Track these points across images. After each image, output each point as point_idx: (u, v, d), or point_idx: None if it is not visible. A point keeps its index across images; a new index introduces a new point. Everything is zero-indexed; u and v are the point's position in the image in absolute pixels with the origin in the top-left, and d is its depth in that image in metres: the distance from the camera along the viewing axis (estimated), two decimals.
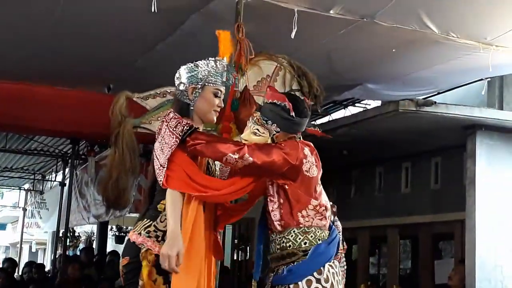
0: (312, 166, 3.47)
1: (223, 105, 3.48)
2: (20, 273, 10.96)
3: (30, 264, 11.55)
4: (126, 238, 3.38)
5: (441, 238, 9.31)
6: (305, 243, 3.39)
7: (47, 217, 15.57)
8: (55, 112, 7.65)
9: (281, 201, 3.40)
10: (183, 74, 3.37)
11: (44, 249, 24.93)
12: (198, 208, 3.20)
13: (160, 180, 3.17)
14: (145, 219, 3.30)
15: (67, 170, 12.82)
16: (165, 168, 3.17)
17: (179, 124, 3.21)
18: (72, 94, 6.88)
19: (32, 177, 16.43)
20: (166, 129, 3.21)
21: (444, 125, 7.23)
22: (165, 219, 3.16)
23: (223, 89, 3.41)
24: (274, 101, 3.44)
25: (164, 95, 3.92)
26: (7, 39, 6.10)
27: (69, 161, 12.50)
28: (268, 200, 3.44)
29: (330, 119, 9.62)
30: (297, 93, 4.20)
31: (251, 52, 4.16)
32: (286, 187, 3.38)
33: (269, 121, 3.42)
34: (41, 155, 13.48)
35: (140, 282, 3.19)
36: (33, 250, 25.20)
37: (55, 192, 13.98)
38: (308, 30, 5.19)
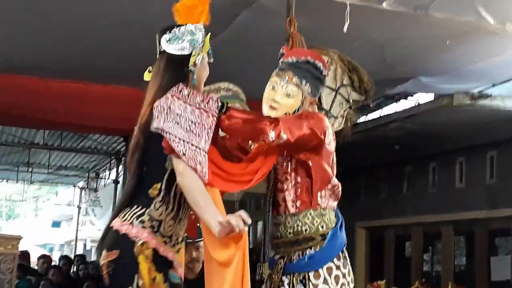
0: (332, 139, 3.22)
1: None
2: (74, 270, 11.14)
3: (82, 257, 11.70)
4: (108, 228, 2.89)
5: (497, 234, 9.16)
6: (322, 227, 3.13)
7: (101, 215, 15.78)
8: (108, 110, 7.79)
9: (298, 179, 3.15)
10: (181, 36, 2.97)
11: None
12: (217, 193, 2.89)
13: (202, 173, 2.76)
14: (135, 206, 2.83)
15: (120, 167, 12.99)
16: (206, 159, 2.78)
17: (210, 100, 2.88)
18: (124, 91, 6.97)
19: (86, 175, 16.68)
20: (186, 105, 2.82)
21: (500, 118, 7.11)
22: (160, 205, 2.81)
23: None
24: (308, 59, 3.23)
25: (218, 91, 3.93)
26: (61, 39, 6.17)
27: (122, 159, 12.67)
28: (283, 178, 3.17)
29: (382, 113, 9.53)
30: (348, 88, 4.18)
31: (303, 47, 4.14)
32: (310, 163, 3.12)
33: (304, 80, 3.20)
34: (95, 153, 13.68)
35: (140, 282, 2.75)
36: (88, 247, 25.59)
37: (109, 189, 14.18)
38: (360, 23, 5.15)
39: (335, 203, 3.23)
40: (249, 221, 2.69)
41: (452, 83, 7.26)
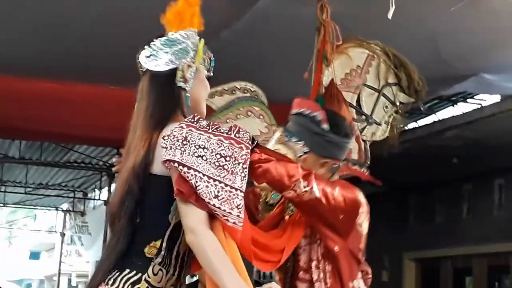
0: (365, 219, 3.20)
1: None
2: None
3: None
4: None
5: None
6: None
7: (89, 244, 15.89)
8: (98, 115, 7.82)
9: (328, 267, 3.15)
10: (163, 47, 2.87)
11: (85, 283, 25.43)
12: (235, 248, 2.74)
13: (236, 222, 2.63)
14: (127, 270, 2.70)
15: (112, 186, 13.05)
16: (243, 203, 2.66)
17: (240, 129, 2.76)
18: (119, 93, 6.99)
19: (71, 195, 16.77)
20: (210, 136, 2.68)
21: None
22: (159, 269, 2.71)
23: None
24: (301, 111, 3.21)
25: (233, 92, 3.95)
26: (39, 28, 6.23)
27: (115, 175, 12.73)
28: (305, 266, 3.19)
29: (436, 119, 9.51)
30: (394, 88, 4.18)
31: (338, 38, 4.15)
32: (336, 248, 3.10)
33: (293, 137, 3.21)
34: (82, 169, 13.78)
35: None
36: (73, 283, 25.73)
37: (99, 213, 14.27)
38: (409, 8, 5.15)
39: None
40: None
41: None
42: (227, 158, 2.65)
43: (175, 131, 2.63)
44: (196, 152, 2.62)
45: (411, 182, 10.97)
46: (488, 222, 10.07)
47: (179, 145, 2.61)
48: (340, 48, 4.17)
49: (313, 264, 3.15)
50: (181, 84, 2.83)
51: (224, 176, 2.62)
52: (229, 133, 2.70)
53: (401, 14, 4.91)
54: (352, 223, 3.11)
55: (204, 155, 2.62)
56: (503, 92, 7.90)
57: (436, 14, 5.65)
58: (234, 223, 2.60)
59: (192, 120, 2.68)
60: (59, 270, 18.41)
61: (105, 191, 14.08)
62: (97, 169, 13.71)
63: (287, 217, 3.27)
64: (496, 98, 8.53)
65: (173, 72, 2.83)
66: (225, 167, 2.64)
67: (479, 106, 8.89)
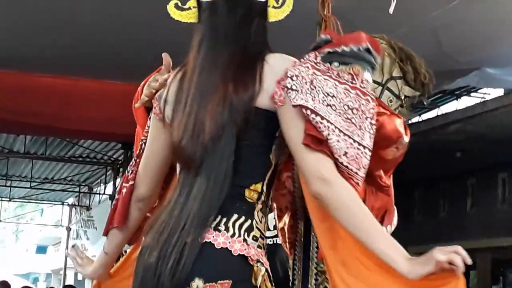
0: None
1: None
2: None
3: None
4: (197, 244, 2.30)
5: None
6: None
7: (95, 238, 15.89)
8: (103, 110, 7.83)
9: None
10: None
11: None
12: None
13: (359, 184, 2.36)
14: (235, 215, 2.36)
15: (118, 180, 13.07)
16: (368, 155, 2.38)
17: (363, 80, 2.45)
18: (123, 88, 6.99)
19: (77, 189, 16.81)
20: (336, 83, 2.37)
21: None
22: (262, 217, 2.40)
23: None
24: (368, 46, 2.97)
25: None
26: (45, 26, 6.23)
27: (121, 169, 12.75)
28: None
29: (440, 113, 9.50)
30: (399, 81, 4.17)
31: (340, 32, 4.14)
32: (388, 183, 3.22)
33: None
34: (87, 163, 13.81)
35: None
36: (79, 278, 25.78)
37: (105, 207, 14.26)
38: (410, 2, 5.14)
39: None
40: (469, 260, 2.21)
41: None
42: (354, 111, 2.35)
43: (303, 72, 2.32)
44: (325, 100, 2.33)
45: (415, 177, 10.95)
46: (491, 216, 10.07)
47: (308, 89, 2.31)
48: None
49: None
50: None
51: (353, 131, 2.33)
52: (354, 82, 2.39)
53: (402, 7, 4.91)
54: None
55: (334, 105, 2.32)
56: (507, 86, 7.88)
57: (438, 8, 5.64)
58: (357, 183, 2.32)
59: (315, 61, 2.39)
60: (65, 264, 18.46)
61: (110, 185, 14.10)
62: (102, 163, 13.74)
63: None
64: (499, 92, 8.52)
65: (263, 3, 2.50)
66: (353, 120, 2.34)
67: (482, 100, 8.88)
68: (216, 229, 2.29)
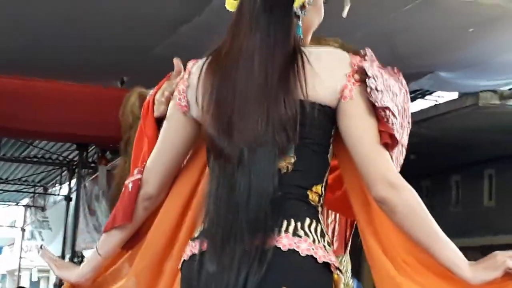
0: None
1: None
2: None
3: None
4: (268, 248, 2.09)
5: None
6: None
7: (50, 239, 15.76)
8: (59, 111, 7.76)
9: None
10: None
11: (48, 278, 25.25)
12: None
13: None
14: (307, 219, 2.18)
15: (73, 181, 12.98)
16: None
17: (400, 74, 2.33)
18: (78, 89, 6.97)
19: (31, 190, 16.66)
20: (392, 81, 2.26)
21: None
22: (323, 219, 2.27)
23: None
24: None
25: None
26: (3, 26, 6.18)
27: (76, 170, 12.66)
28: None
29: None
30: None
31: None
32: None
33: None
34: (43, 164, 13.67)
35: None
36: (34, 279, 25.52)
37: (60, 208, 14.15)
38: (364, 7, 5.18)
39: None
40: None
41: (477, 79, 7.30)
42: (401, 110, 2.26)
43: (376, 70, 2.20)
44: (393, 99, 2.21)
45: None
46: (445, 218, 10.10)
47: (385, 88, 2.20)
48: None
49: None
50: (297, 10, 2.33)
51: (402, 132, 2.26)
52: (400, 78, 2.30)
53: (357, 12, 4.93)
54: None
55: (397, 105, 2.23)
56: (459, 89, 7.96)
57: (392, 12, 5.69)
58: None
59: (373, 57, 2.26)
60: (19, 265, 18.29)
61: (65, 186, 13.98)
62: (57, 164, 13.61)
63: None
64: (452, 95, 8.60)
65: None
66: (402, 121, 2.26)
67: (436, 104, 8.96)
68: (295, 234, 2.11)
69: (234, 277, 2.02)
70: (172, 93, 2.37)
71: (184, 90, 2.28)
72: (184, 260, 2.17)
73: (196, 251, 2.13)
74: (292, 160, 2.14)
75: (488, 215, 9.53)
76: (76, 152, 11.55)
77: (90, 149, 10.38)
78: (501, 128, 7.60)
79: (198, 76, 2.23)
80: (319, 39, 4.26)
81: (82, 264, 2.47)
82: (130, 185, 2.36)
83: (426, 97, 9.96)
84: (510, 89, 7.37)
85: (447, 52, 6.63)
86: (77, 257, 10.90)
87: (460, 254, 2.16)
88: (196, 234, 2.19)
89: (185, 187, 2.39)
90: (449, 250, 2.16)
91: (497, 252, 2.16)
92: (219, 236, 2.07)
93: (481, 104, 6.80)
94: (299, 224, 2.12)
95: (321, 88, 2.15)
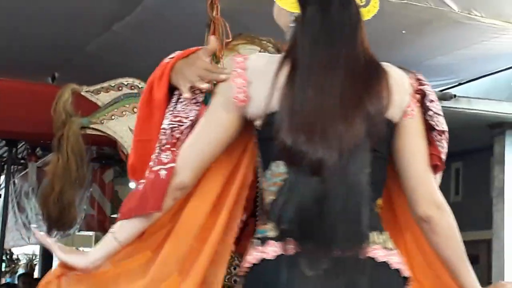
0: None
1: None
2: None
3: None
4: (384, 266, 2.19)
5: None
6: None
7: None
8: None
9: None
10: None
11: None
12: None
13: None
14: (384, 232, 2.25)
15: (1, 178, 12.76)
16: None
17: None
18: (7, 84, 6.85)
19: None
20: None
21: (466, 123, 7.25)
22: None
23: None
24: None
25: (120, 89, 3.90)
26: None
27: (5, 167, 12.44)
28: None
29: None
30: None
31: (228, 35, 4.14)
32: None
33: None
34: None
35: None
36: None
37: None
38: None
39: None
40: None
41: None
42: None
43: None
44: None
45: None
46: None
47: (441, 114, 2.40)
48: (230, 45, 4.15)
49: None
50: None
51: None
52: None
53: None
54: None
55: None
56: None
57: None
58: None
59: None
60: None
61: None
62: None
63: None
64: None
65: None
66: None
67: None
68: (385, 247, 2.19)
69: (335, 285, 2.05)
70: (218, 80, 2.35)
71: (245, 84, 2.26)
72: (265, 259, 2.14)
73: (282, 252, 2.11)
74: (366, 171, 2.14)
75: (455, 211, 9.61)
76: (5, 148, 11.37)
77: (20, 145, 10.20)
78: None
79: (274, 75, 2.20)
80: (253, 38, 4.27)
81: (92, 250, 2.32)
82: (163, 172, 2.22)
83: None
84: (441, 90, 7.47)
85: (380, 54, 6.64)
86: (6, 255, 10.71)
87: (477, 281, 2.33)
88: (270, 234, 2.17)
89: (214, 184, 2.33)
90: (472, 277, 2.32)
91: (506, 282, 2.38)
92: (313, 241, 2.06)
93: None
94: (384, 236, 2.21)
95: (392, 105, 2.23)
